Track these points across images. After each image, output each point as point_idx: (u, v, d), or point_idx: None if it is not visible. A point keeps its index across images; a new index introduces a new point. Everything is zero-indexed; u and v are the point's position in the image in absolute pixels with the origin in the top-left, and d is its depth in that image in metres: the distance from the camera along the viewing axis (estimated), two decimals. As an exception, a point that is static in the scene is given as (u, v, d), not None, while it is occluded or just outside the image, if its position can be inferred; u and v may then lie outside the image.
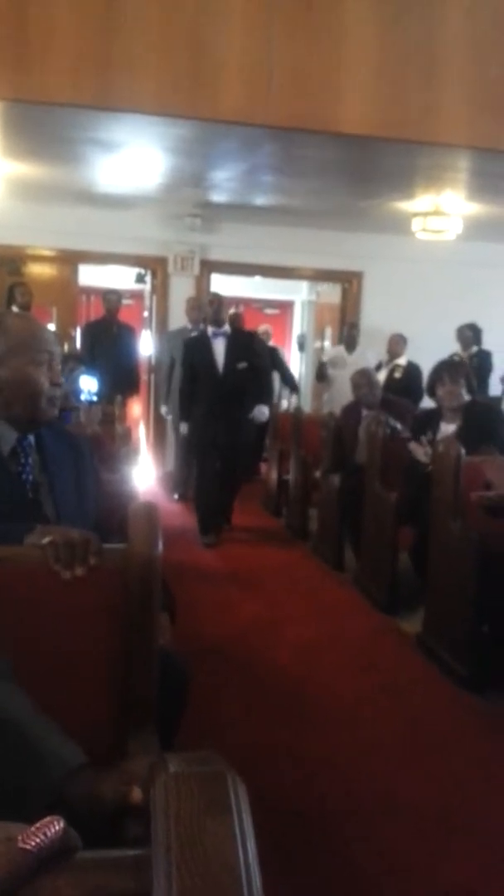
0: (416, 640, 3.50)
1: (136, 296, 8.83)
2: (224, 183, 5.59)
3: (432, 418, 3.95)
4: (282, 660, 3.33)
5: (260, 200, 6.17)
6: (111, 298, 6.89)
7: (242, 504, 6.40)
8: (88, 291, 9.30)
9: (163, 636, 1.59)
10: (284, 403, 7.70)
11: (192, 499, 5.48)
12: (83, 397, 5.22)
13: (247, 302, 10.89)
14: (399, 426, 4.42)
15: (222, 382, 5.06)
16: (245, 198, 6.08)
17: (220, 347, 5.08)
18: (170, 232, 7.11)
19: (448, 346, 6.56)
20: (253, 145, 4.39)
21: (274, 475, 6.29)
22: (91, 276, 8.63)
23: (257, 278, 9.25)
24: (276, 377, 7.74)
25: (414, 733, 2.73)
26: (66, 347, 6.60)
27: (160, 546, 1.41)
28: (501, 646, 3.01)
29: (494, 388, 6.58)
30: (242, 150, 4.55)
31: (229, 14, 3.44)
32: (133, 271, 8.03)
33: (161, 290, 7.40)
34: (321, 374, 7.12)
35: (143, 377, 7.57)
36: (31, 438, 1.75)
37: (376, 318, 7.44)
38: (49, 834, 0.54)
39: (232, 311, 7.29)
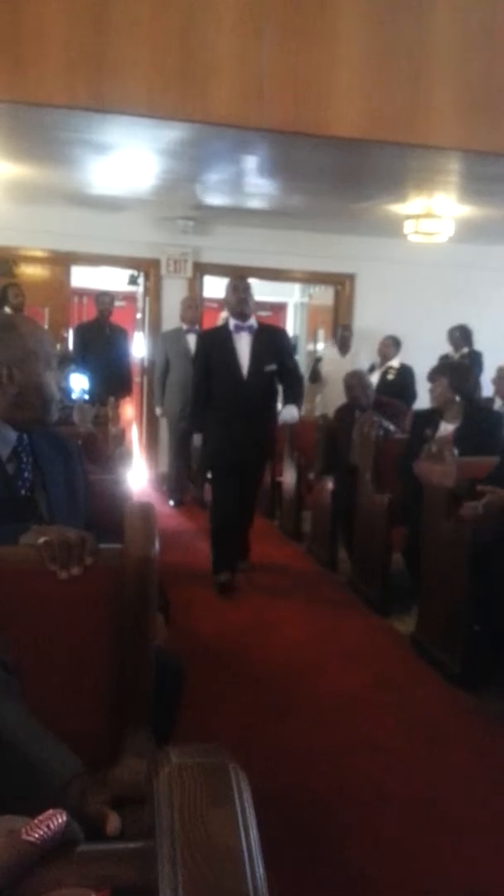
0: (410, 640, 3.51)
1: (129, 298, 8.83)
2: (217, 185, 5.60)
3: (432, 418, 3.97)
4: (276, 660, 3.34)
5: (252, 203, 6.18)
6: (103, 300, 6.89)
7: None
8: (81, 293, 9.30)
9: (157, 636, 1.59)
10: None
11: (210, 531, 4.47)
12: (74, 396, 5.21)
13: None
14: (392, 427, 4.43)
15: (246, 387, 4.15)
16: (238, 200, 6.10)
17: (244, 344, 4.19)
18: (162, 234, 7.12)
19: (440, 348, 6.59)
20: (245, 148, 4.40)
21: (267, 477, 6.30)
22: (83, 277, 8.63)
23: (250, 280, 9.26)
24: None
25: (407, 731, 2.74)
26: (58, 348, 6.59)
27: (157, 546, 1.41)
28: (493, 644, 3.03)
29: (485, 389, 6.61)
30: (235, 153, 4.55)
31: (221, 17, 3.45)
32: (126, 273, 8.04)
33: (154, 292, 7.40)
34: (314, 375, 7.14)
35: (136, 379, 7.57)
36: (27, 438, 1.75)
37: (369, 320, 7.47)
38: (52, 826, 0.55)
39: (225, 314, 7.31)
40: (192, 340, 6.11)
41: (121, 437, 3.44)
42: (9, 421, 1.70)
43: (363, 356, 6.78)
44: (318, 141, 3.84)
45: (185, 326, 6.34)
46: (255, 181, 5.39)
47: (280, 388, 4.42)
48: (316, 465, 5.12)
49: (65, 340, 7.23)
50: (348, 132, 3.68)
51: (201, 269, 7.43)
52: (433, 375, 3.99)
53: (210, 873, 0.41)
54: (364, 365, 6.39)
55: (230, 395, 4.15)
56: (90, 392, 5.38)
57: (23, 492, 1.71)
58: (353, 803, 2.28)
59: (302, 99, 3.57)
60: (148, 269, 7.39)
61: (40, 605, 1.40)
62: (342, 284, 7.86)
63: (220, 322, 5.39)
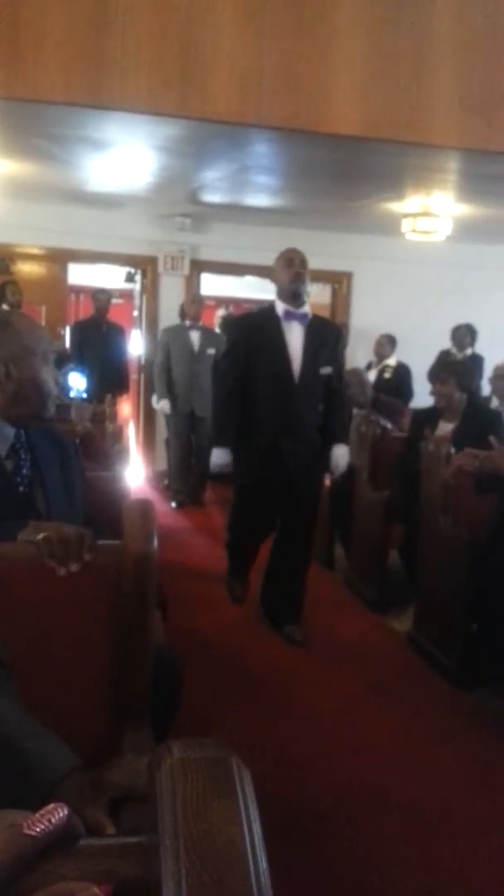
0: (407, 638, 3.51)
1: (126, 295, 8.82)
2: (214, 183, 5.59)
3: (432, 416, 3.98)
4: (271, 656, 3.34)
5: (250, 200, 6.18)
6: (100, 298, 6.88)
7: (230, 502, 6.41)
8: (78, 290, 9.28)
9: (155, 633, 1.59)
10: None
11: (227, 544, 3.91)
12: (72, 394, 5.21)
13: (237, 302, 10.90)
14: (389, 426, 4.44)
15: (297, 395, 3.26)
16: (235, 198, 6.09)
17: (296, 337, 3.26)
18: (160, 231, 7.10)
19: (437, 347, 6.59)
20: (243, 145, 4.39)
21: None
22: (81, 275, 8.61)
23: (247, 278, 9.26)
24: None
25: (404, 729, 2.74)
26: (55, 346, 6.58)
27: (155, 542, 1.41)
28: (490, 643, 3.03)
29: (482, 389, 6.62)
30: (233, 150, 4.55)
31: (221, 14, 3.45)
32: (123, 270, 8.03)
33: (151, 289, 7.39)
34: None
35: (133, 376, 7.56)
36: (24, 435, 1.75)
37: (366, 318, 7.47)
38: (53, 820, 0.55)
39: (221, 311, 7.31)
40: (195, 337, 6.09)
41: (118, 435, 3.44)
42: (6, 417, 1.70)
43: (360, 354, 6.78)
44: (316, 138, 3.83)
45: (187, 322, 6.21)
46: (252, 179, 5.39)
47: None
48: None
49: (62, 338, 7.21)
50: (347, 130, 3.68)
51: (199, 266, 7.42)
52: (440, 375, 3.96)
53: (213, 867, 0.41)
54: (361, 363, 6.40)
55: (276, 404, 3.22)
56: (88, 390, 5.38)
57: (21, 488, 1.71)
58: (352, 803, 2.28)
59: (301, 96, 3.57)
60: (145, 266, 7.38)
61: (38, 602, 1.40)
62: (339, 283, 7.86)
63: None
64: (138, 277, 7.64)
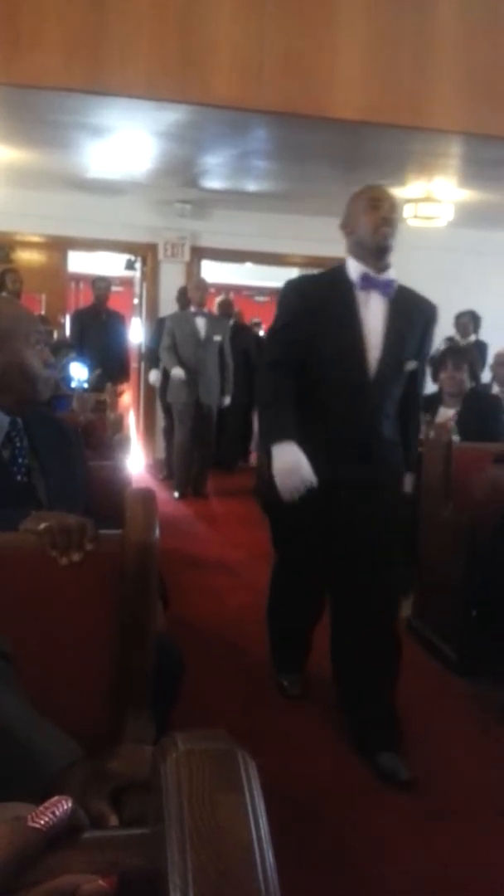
0: (406, 625, 3.52)
1: (126, 283, 8.79)
2: (215, 168, 5.56)
3: (432, 402, 3.97)
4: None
5: (251, 186, 6.14)
6: (100, 285, 6.85)
7: (232, 493, 6.42)
8: (78, 278, 9.25)
9: (156, 622, 1.59)
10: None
11: (269, 612, 2.87)
12: (74, 385, 5.18)
13: (237, 289, 10.87)
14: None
15: (371, 396, 2.28)
16: (236, 184, 6.06)
17: (375, 313, 2.30)
18: (160, 218, 7.07)
19: (438, 333, 6.55)
20: (244, 130, 4.36)
21: (264, 463, 6.31)
22: (81, 262, 8.58)
23: (248, 265, 9.23)
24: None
25: (403, 717, 2.75)
26: (56, 334, 6.57)
27: (157, 532, 1.41)
28: (490, 630, 3.04)
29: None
30: (234, 135, 4.52)
31: (221, -2, 3.42)
32: (123, 258, 7.99)
33: (151, 276, 7.37)
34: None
35: (133, 365, 7.55)
36: (21, 423, 1.74)
37: (367, 305, 7.44)
38: (58, 813, 0.55)
39: (221, 297, 7.27)
40: (201, 324, 5.88)
41: (119, 424, 3.43)
42: (1, 405, 1.68)
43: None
44: (317, 123, 3.81)
45: (192, 308, 6.02)
46: (253, 164, 5.36)
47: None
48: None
49: (62, 326, 7.20)
50: (349, 115, 3.66)
51: (199, 253, 7.39)
52: (456, 361, 3.91)
53: (219, 860, 0.41)
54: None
55: (341, 409, 2.25)
56: (88, 380, 5.36)
57: (19, 478, 1.70)
58: (352, 793, 2.29)
59: (302, 81, 3.54)
60: (145, 253, 7.35)
61: (40, 591, 1.40)
62: (341, 270, 7.82)
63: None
64: (138, 265, 7.61)
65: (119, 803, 1.04)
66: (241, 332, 7.05)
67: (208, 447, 6.20)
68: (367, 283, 2.30)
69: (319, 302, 2.30)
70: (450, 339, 6.37)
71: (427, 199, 5.77)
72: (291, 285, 2.51)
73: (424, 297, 2.55)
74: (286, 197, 6.45)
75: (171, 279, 7.18)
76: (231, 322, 6.72)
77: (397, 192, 5.77)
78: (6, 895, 0.51)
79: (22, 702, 1.13)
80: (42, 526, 1.41)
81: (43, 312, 6.99)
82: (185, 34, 3.40)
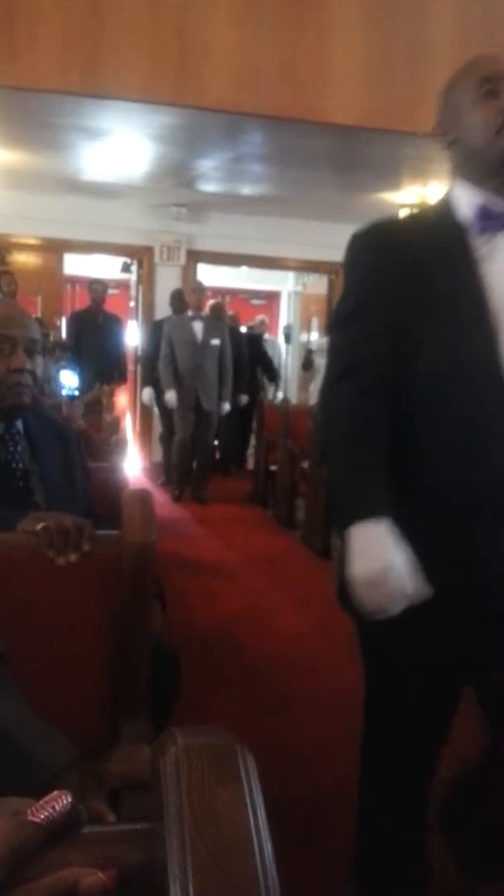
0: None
1: (122, 285, 8.80)
2: (211, 172, 5.57)
3: None
4: (268, 648, 3.35)
5: (247, 190, 6.16)
6: (96, 288, 6.86)
7: (228, 496, 6.42)
8: (74, 281, 9.26)
9: (153, 623, 1.59)
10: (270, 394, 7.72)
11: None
12: (65, 392, 5.15)
13: (233, 292, 10.89)
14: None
15: None
16: (232, 187, 6.07)
17: None
18: (156, 221, 7.08)
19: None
20: (240, 134, 4.38)
21: (261, 465, 6.31)
22: (76, 265, 8.59)
23: (243, 268, 9.25)
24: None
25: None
26: (52, 337, 6.57)
27: (154, 533, 1.41)
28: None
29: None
30: (229, 139, 4.53)
31: (219, 4, 3.43)
32: (119, 261, 8.00)
33: (147, 279, 7.38)
34: (307, 364, 7.15)
35: (129, 367, 7.55)
36: (20, 426, 1.74)
37: (362, 308, 7.46)
38: (57, 808, 0.55)
39: (212, 301, 7.28)
40: (198, 327, 5.78)
41: (116, 426, 3.43)
42: None
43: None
44: (312, 128, 3.82)
45: (190, 312, 5.93)
46: (249, 168, 5.38)
47: None
48: (311, 454, 5.13)
49: (58, 328, 7.20)
50: (344, 119, 3.68)
51: (195, 256, 7.40)
52: None
53: (218, 853, 0.42)
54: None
55: (467, 434, 1.23)
56: (81, 385, 5.32)
57: (19, 481, 1.70)
58: (349, 793, 2.28)
59: (298, 85, 3.56)
60: (141, 256, 7.36)
61: (37, 592, 1.40)
62: (336, 273, 7.83)
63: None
64: (134, 268, 7.62)
65: (117, 804, 1.05)
66: (234, 338, 7.02)
67: (208, 453, 6.17)
68: (491, 220, 1.30)
69: (415, 261, 1.29)
70: None
71: (422, 204, 5.79)
72: (366, 239, 1.40)
73: None
74: (282, 201, 6.47)
75: (167, 282, 7.19)
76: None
77: (393, 196, 5.81)
78: (6, 890, 0.51)
79: (18, 703, 1.13)
80: (39, 526, 1.41)
81: (39, 315, 7.00)
82: (182, 39, 3.42)
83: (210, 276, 8.84)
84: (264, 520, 5.80)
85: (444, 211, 1.36)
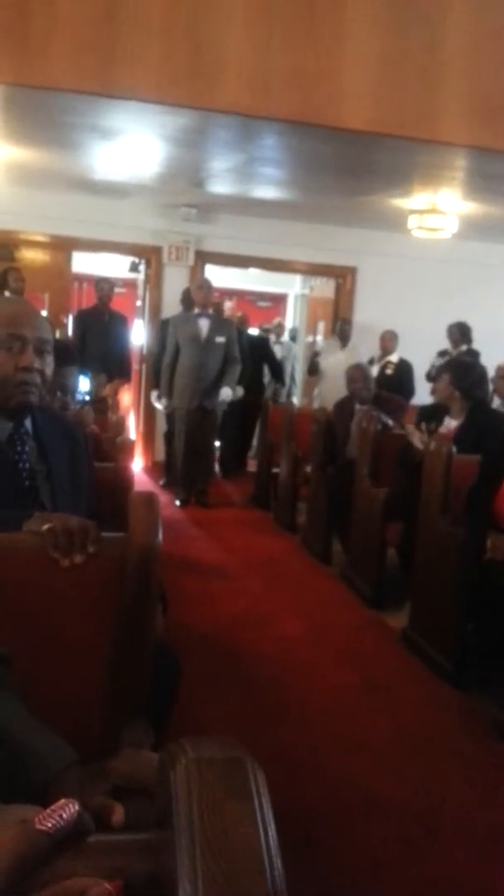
0: (402, 635, 3.52)
1: (129, 284, 8.80)
2: (221, 174, 5.57)
3: (439, 410, 4.00)
4: (267, 652, 3.35)
5: (256, 193, 6.16)
6: (103, 287, 6.85)
7: (230, 499, 6.42)
8: (81, 279, 9.26)
9: (156, 626, 1.59)
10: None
11: None
12: (78, 397, 5.09)
13: (240, 294, 10.89)
14: (390, 422, 4.44)
15: None
16: (242, 190, 6.07)
17: None
18: (165, 222, 7.09)
19: (439, 344, 6.59)
20: (252, 137, 4.38)
21: (264, 468, 6.31)
22: (84, 263, 8.59)
23: (251, 270, 9.24)
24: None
25: (397, 728, 2.75)
26: (58, 334, 6.56)
27: (160, 535, 1.42)
28: (486, 642, 3.04)
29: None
30: (241, 142, 4.53)
31: (231, 8, 3.43)
32: (127, 260, 8.01)
33: (155, 279, 7.38)
34: (312, 368, 7.14)
35: (135, 367, 7.55)
36: (28, 426, 1.73)
37: (369, 313, 7.46)
38: (65, 816, 0.55)
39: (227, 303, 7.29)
40: (203, 325, 5.75)
41: (121, 426, 3.43)
42: None
43: (362, 350, 6.78)
44: (325, 133, 3.82)
45: (196, 310, 5.89)
46: (260, 171, 5.37)
47: None
48: (314, 457, 5.13)
49: (65, 326, 7.20)
50: (356, 125, 3.67)
51: (203, 257, 7.40)
52: (437, 373, 4.00)
53: (229, 868, 0.42)
54: (363, 358, 6.39)
55: None
56: (90, 391, 5.27)
57: (26, 481, 1.70)
58: (343, 802, 2.29)
59: (310, 90, 3.56)
60: (150, 256, 7.36)
61: (42, 593, 1.40)
62: (343, 277, 7.84)
63: None
64: (142, 267, 7.62)
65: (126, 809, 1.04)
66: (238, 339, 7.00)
67: (210, 454, 6.14)
68: None
69: None
70: (443, 353, 6.40)
71: (432, 211, 5.79)
72: None
73: None
74: (292, 204, 6.47)
75: (175, 282, 7.19)
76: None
77: (402, 202, 5.80)
78: (13, 897, 0.51)
79: (19, 704, 1.13)
80: (45, 527, 1.41)
81: (45, 312, 7.00)
82: (196, 42, 3.42)
83: (218, 277, 8.84)
84: (265, 522, 5.79)
85: None
